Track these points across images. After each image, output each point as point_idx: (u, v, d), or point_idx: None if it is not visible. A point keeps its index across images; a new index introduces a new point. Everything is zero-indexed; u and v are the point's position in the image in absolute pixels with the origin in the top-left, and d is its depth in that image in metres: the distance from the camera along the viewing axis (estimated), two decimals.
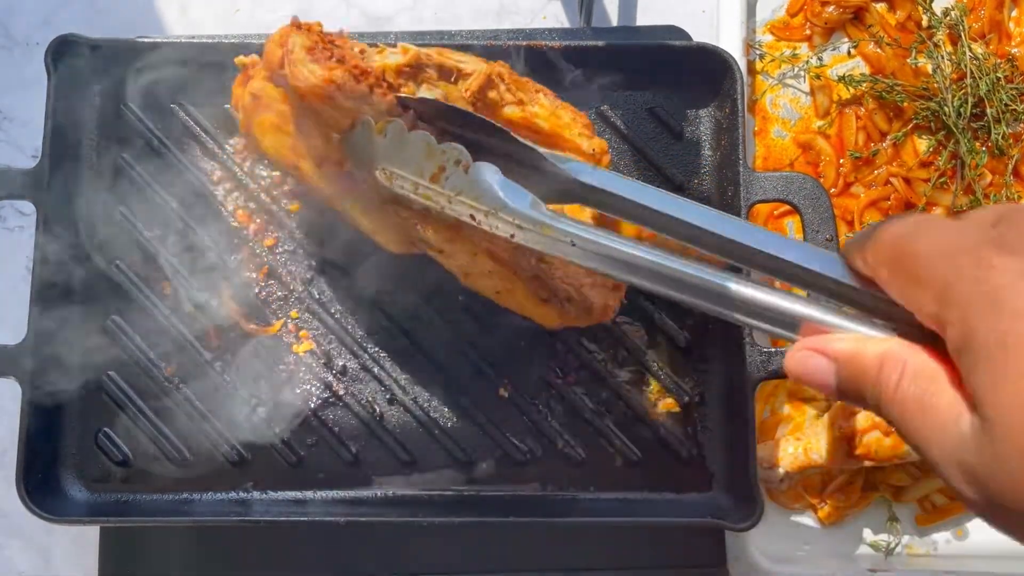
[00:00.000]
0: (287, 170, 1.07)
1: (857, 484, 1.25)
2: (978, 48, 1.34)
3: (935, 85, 1.31)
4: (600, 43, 1.19)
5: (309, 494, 1.15)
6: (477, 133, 0.92)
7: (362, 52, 1.04)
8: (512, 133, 0.91)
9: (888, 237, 0.65)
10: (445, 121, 0.95)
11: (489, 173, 0.88)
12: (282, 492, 1.15)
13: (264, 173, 1.22)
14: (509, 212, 0.87)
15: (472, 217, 0.89)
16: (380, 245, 1.05)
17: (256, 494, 1.15)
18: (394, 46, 1.05)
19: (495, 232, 0.88)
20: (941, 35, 1.33)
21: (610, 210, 0.88)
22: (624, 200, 0.86)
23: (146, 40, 1.18)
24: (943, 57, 1.32)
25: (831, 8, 1.36)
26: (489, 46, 1.17)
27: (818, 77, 1.35)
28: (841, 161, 1.34)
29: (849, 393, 0.67)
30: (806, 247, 0.78)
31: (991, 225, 0.58)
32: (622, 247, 0.83)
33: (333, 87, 0.94)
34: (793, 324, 0.74)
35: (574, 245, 0.84)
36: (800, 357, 0.70)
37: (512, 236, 0.87)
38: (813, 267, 0.76)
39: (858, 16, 1.37)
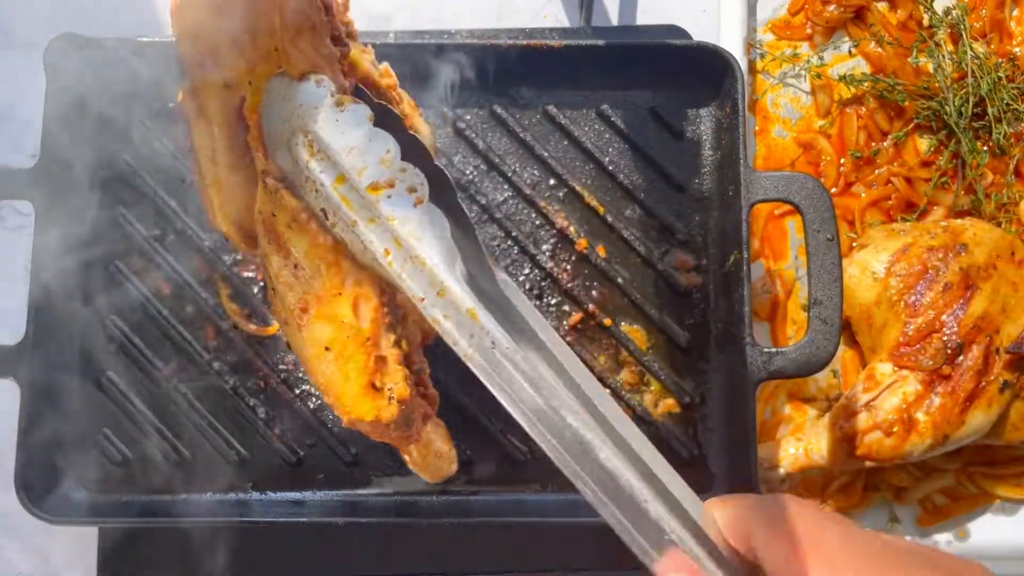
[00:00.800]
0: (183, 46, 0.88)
1: (858, 485, 1.25)
2: (979, 47, 1.34)
3: (936, 84, 1.31)
4: (600, 43, 1.19)
5: (308, 494, 1.15)
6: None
7: (348, 35, 0.91)
8: (457, 198, 0.80)
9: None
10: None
11: (440, 222, 0.77)
12: (282, 492, 1.15)
13: None
14: (438, 273, 0.76)
15: (386, 252, 0.77)
16: (209, 216, 0.89)
17: (256, 494, 1.15)
18: (380, 63, 0.99)
19: (400, 282, 0.76)
20: (942, 34, 1.33)
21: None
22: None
23: (146, 40, 1.18)
24: (944, 56, 1.32)
25: (832, 7, 1.35)
26: (489, 45, 1.17)
27: (819, 76, 1.35)
28: (842, 161, 1.33)
29: None
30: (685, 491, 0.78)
31: None
32: (541, 389, 0.75)
33: (310, 23, 0.78)
34: (659, 543, 0.76)
35: (493, 346, 0.75)
36: None
37: (422, 300, 0.76)
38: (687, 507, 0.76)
39: (859, 15, 1.37)
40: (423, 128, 1.09)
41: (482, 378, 0.79)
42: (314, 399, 1.17)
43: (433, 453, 0.97)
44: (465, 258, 0.78)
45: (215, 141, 0.85)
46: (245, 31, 0.80)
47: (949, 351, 1.14)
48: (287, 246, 0.82)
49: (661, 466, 0.79)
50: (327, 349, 0.82)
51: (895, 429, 1.13)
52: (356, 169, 0.77)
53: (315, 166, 0.78)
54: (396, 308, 0.87)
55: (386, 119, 0.81)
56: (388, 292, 0.84)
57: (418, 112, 1.08)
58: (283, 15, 0.79)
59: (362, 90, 0.86)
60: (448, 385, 1.17)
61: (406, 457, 0.99)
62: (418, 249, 0.76)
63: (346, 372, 0.83)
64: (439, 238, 0.76)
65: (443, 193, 0.81)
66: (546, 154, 1.21)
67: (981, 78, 1.29)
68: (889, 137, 1.33)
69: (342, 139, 0.77)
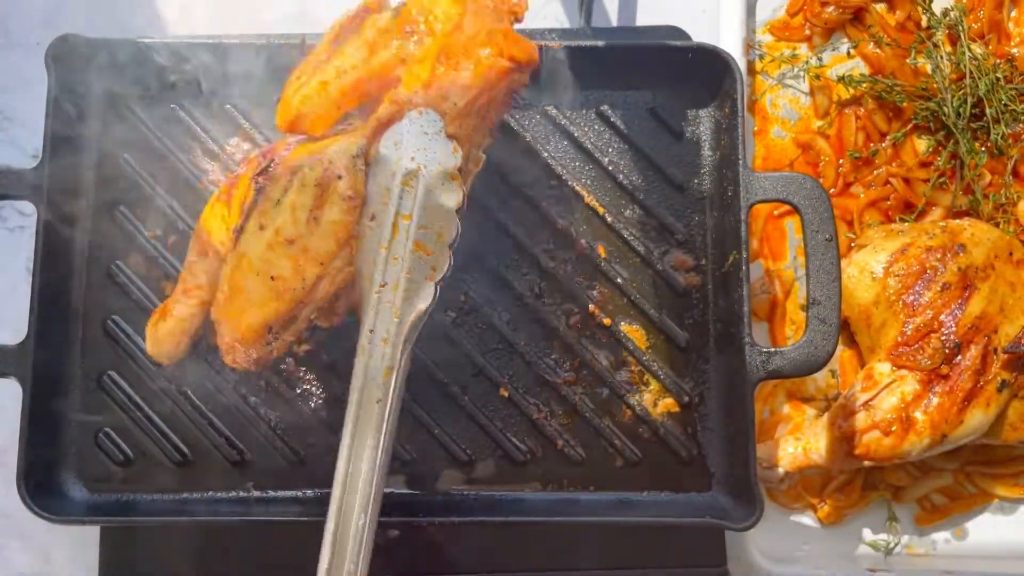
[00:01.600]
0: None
1: (856, 484, 1.25)
2: (977, 48, 1.34)
3: (934, 85, 1.31)
4: (600, 43, 1.19)
5: (309, 493, 1.15)
6: None
7: None
8: None
9: None
10: None
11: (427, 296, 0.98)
12: (282, 492, 1.16)
13: None
14: (400, 308, 0.97)
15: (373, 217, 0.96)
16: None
17: (256, 494, 1.16)
18: None
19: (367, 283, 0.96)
20: (940, 35, 1.33)
21: None
22: None
23: (146, 40, 1.18)
24: (942, 57, 1.32)
25: (831, 8, 1.36)
26: None
27: (818, 77, 1.36)
28: (841, 161, 1.34)
29: None
30: None
31: None
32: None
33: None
34: None
35: (377, 401, 0.95)
36: None
37: (371, 332, 0.97)
38: None
39: (858, 16, 1.37)
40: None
41: (350, 411, 0.98)
42: (315, 399, 1.17)
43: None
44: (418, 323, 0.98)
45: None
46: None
47: (947, 351, 1.14)
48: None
49: None
50: (272, 278, 0.98)
51: (893, 428, 1.14)
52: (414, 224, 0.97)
53: (375, 177, 0.97)
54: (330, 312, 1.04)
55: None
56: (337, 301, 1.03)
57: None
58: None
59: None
60: (449, 385, 1.17)
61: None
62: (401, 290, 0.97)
63: (264, 299, 0.99)
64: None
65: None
66: (546, 154, 1.21)
67: (979, 79, 1.30)
68: (887, 138, 1.34)
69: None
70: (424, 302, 0.98)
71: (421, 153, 0.96)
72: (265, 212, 0.98)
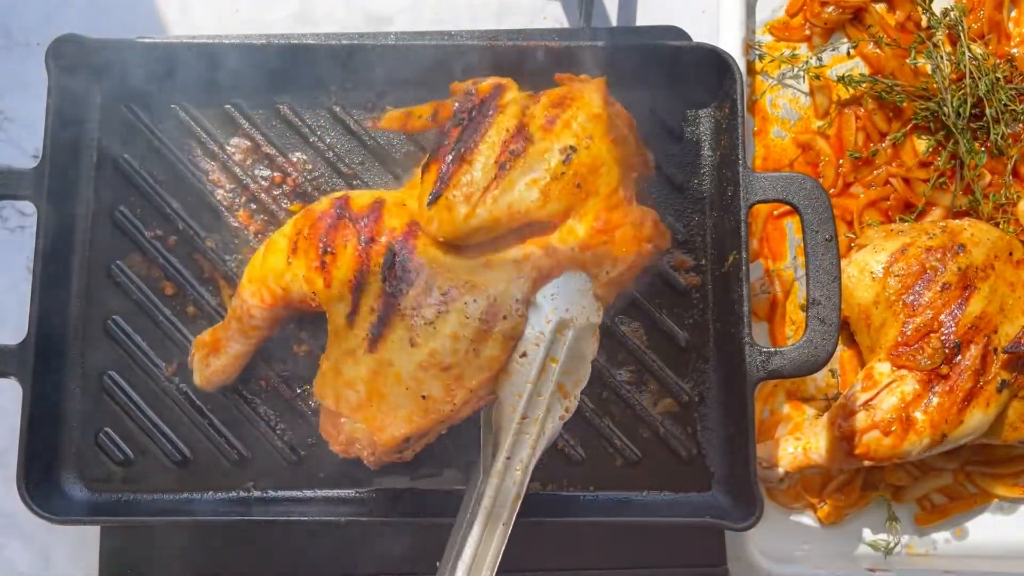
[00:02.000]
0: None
1: (856, 484, 1.25)
2: (977, 48, 1.34)
3: (934, 85, 1.31)
4: (600, 43, 1.19)
5: (309, 493, 1.15)
6: None
7: None
8: None
9: None
10: None
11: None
12: (282, 491, 1.16)
13: (264, 173, 1.22)
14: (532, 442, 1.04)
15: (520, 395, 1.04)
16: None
17: (256, 494, 1.16)
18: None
19: (508, 422, 1.03)
20: (940, 35, 1.33)
21: None
22: None
23: (146, 40, 1.18)
24: (942, 57, 1.32)
25: (831, 8, 1.36)
26: (489, 46, 1.17)
27: (817, 77, 1.36)
28: (840, 161, 1.34)
29: None
30: None
31: None
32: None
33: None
34: None
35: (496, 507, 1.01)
36: None
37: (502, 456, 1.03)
38: None
39: (857, 16, 1.37)
40: None
41: (473, 532, 1.02)
42: (315, 399, 1.17)
43: None
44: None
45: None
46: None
47: (947, 351, 1.14)
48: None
49: None
50: (423, 397, 1.04)
51: (893, 428, 1.14)
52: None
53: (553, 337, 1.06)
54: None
55: None
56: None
57: None
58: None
59: None
60: None
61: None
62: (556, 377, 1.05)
63: (411, 415, 1.05)
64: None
65: None
66: None
67: (979, 79, 1.30)
68: (887, 138, 1.34)
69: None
70: (552, 439, 1.06)
71: (574, 307, 1.06)
72: (416, 329, 1.02)
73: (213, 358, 1.12)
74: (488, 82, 1.09)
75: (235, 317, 1.11)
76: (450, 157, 1.04)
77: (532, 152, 1.03)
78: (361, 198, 1.08)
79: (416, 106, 1.13)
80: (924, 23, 1.36)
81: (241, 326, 1.10)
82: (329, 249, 1.04)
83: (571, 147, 1.03)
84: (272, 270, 1.07)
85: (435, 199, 1.02)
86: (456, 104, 1.08)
